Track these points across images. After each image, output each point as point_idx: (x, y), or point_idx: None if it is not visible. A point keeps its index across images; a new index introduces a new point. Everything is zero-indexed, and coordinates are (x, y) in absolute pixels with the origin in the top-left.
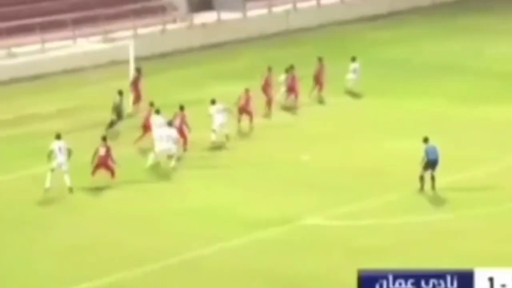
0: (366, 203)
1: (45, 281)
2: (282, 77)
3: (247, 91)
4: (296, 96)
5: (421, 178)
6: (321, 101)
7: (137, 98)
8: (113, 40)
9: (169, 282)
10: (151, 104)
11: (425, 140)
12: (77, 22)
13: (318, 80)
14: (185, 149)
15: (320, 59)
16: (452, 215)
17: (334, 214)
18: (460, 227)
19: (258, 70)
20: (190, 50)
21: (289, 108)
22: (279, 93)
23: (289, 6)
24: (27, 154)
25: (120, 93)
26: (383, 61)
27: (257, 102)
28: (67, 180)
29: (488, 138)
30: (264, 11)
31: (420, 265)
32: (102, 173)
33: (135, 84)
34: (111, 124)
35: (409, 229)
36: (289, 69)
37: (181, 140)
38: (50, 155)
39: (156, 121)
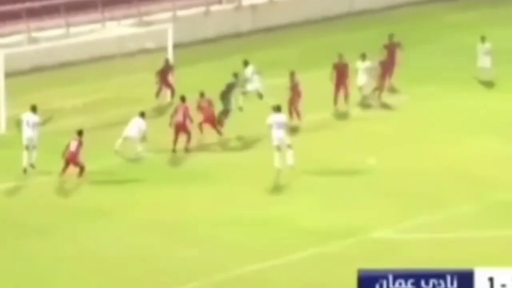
0: (444, 213)
1: None
2: (361, 64)
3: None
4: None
5: None
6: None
7: (171, 92)
8: (148, 24)
9: None
10: (183, 99)
11: None
12: (107, 3)
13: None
14: (187, 149)
15: (394, 43)
16: None
17: (406, 226)
18: None
19: (316, 58)
20: (237, 36)
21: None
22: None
23: None
24: (48, 152)
25: (235, 75)
26: (462, 48)
27: (327, 95)
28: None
29: None
30: None
31: None
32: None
33: (163, 75)
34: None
35: (492, 244)
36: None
37: (185, 136)
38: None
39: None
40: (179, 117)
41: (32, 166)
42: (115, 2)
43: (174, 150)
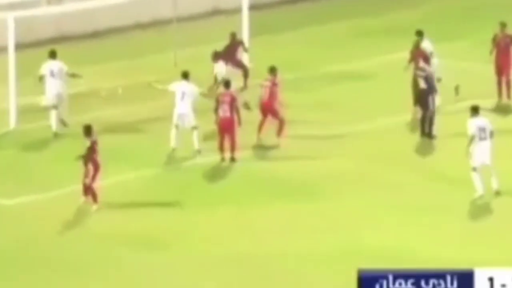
0: None
1: None
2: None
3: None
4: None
5: None
6: None
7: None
8: None
9: None
10: (227, 84)
11: None
12: None
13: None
14: (233, 158)
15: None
16: None
17: None
18: None
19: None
20: None
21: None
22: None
23: None
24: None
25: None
26: None
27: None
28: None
29: None
30: None
31: None
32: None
33: (229, 53)
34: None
35: None
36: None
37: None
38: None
39: None
40: (225, 112)
41: (63, 123)
42: None
43: (223, 159)
